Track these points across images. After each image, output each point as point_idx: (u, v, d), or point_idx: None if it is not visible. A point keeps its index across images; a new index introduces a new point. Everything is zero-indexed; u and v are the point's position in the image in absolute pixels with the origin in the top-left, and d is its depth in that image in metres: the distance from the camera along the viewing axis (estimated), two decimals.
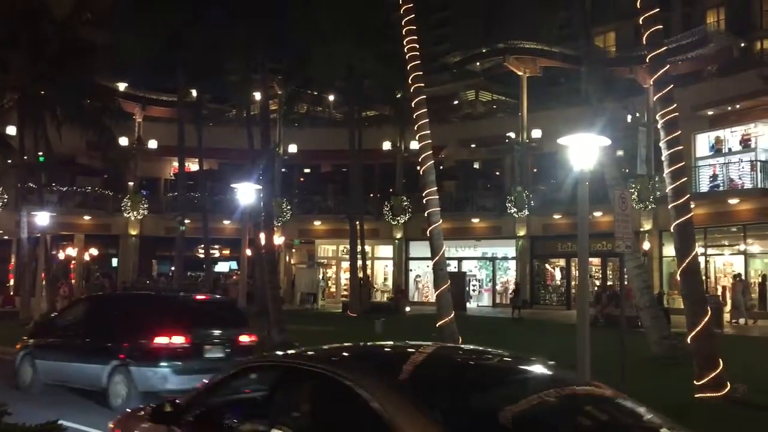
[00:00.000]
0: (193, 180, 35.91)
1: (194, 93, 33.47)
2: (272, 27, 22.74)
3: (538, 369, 4.21)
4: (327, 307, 35.61)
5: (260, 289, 25.17)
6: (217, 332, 9.86)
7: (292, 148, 39.07)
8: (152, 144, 38.58)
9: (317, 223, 39.69)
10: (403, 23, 14.04)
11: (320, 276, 38.39)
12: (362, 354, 4.49)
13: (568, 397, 3.87)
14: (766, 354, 16.72)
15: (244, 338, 10.03)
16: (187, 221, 31.04)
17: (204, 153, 32.29)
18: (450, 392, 3.50)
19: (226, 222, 35.84)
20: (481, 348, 4.91)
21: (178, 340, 9.35)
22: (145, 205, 38.15)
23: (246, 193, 17.78)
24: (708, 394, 9.69)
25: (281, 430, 3.70)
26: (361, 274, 32.06)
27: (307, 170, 43.65)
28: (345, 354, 4.43)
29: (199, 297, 12.03)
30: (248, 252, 22.76)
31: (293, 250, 41.60)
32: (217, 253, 38.55)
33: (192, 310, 10.59)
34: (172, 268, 35.06)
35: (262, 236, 24.18)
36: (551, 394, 3.79)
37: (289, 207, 38.51)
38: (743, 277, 27.45)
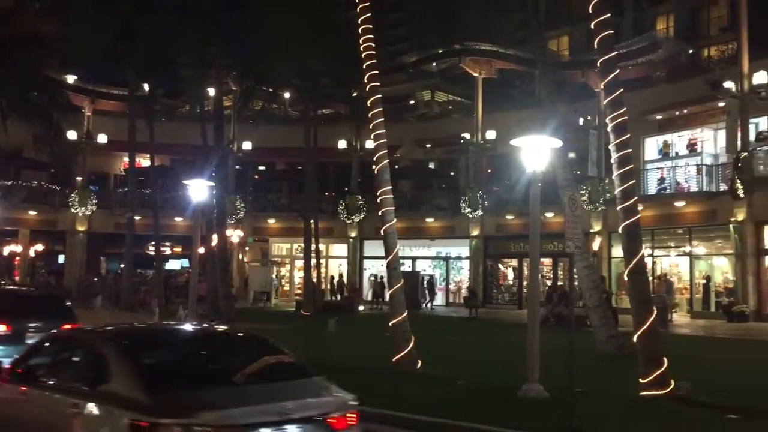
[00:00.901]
0: (144, 176, 35.23)
1: (146, 87, 32.82)
2: (227, 22, 22.44)
3: (224, 336, 7.65)
4: (280, 306, 35.39)
5: (212, 288, 24.86)
6: (38, 323, 11.23)
7: (247, 146, 38.65)
8: (102, 138, 37.71)
9: (271, 221, 39.40)
10: (359, 22, 14.00)
11: (274, 274, 38.10)
12: (111, 330, 6.96)
13: (222, 344, 7.02)
14: (710, 352, 17.24)
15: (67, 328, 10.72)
16: (137, 218, 30.45)
17: (156, 148, 31.73)
18: (145, 347, 6.19)
19: (178, 219, 35.27)
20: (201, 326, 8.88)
21: (1, 328, 11.18)
22: (94, 201, 37.30)
23: (198, 190, 17.52)
24: (653, 392, 9.91)
25: (59, 378, 6.13)
26: (315, 273, 31.91)
27: (261, 168, 43.26)
28: (102, 330, 6.87)
29: (23, 291, 15.04)
30: (201, 250, 22.51)
31: (246, 248, 41.18)
32: (168, 251, 37.90)
33: (16, 303, 12.49)
34: (122, 266, 34.33)
35: (215, 234, 23.95)
36: (208, 343, 6.88)
37: (242, 205, 38.13)
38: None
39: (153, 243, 31.84)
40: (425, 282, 35.41)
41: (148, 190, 33.24)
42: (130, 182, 31.89)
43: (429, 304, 33.94)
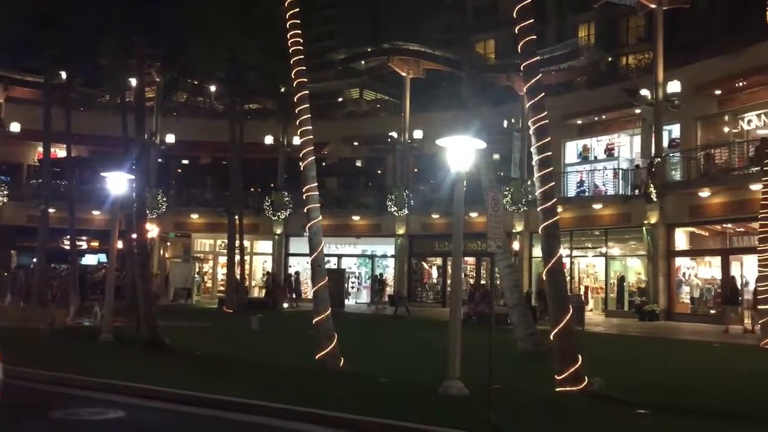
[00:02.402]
0: (60, 167, 33.82)
1: (63, 75, 31.50)
2: (149, 10, 21.80)
3: None
4: (202, 302, 34.72)
5: (130, 284, 24.12)
6: None
7: (170, 138, 37.72)
8: (15, 127, 36.04)
9: (194, 216, 38.59)
10: (287, 17, 13.85)
11: (196, 271, 37.33)
12: None
13: None
14: (623, 350, 17.93)
15: None
16: (51, 210, 29.20)
17: (73, 139, 30.46)
18: None
19: (96, 212, 34.11)
20: None
21: None
22: (5, 192, 35.67)
23: (117, 182, 17.01)
24: (567, 388, 10.22)
25: None
26: (238, 270, 31.43)
27: (185, 161, 42.26)
28: None
29: None
30: (119, 244, 21.78)
31: (168, 244, 40.18)
32: (84, 245, 36.58)
33: None
34: (34, 260, 32.87)
35: (135, 228, 23.21)
36: None
37: (164, 199, 37.20)
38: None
39: (68, 237, 30.61)
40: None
41: (63, 182, 31.94)
42: (44, 173, 30.49)
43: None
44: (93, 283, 33.44)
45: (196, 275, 36.86)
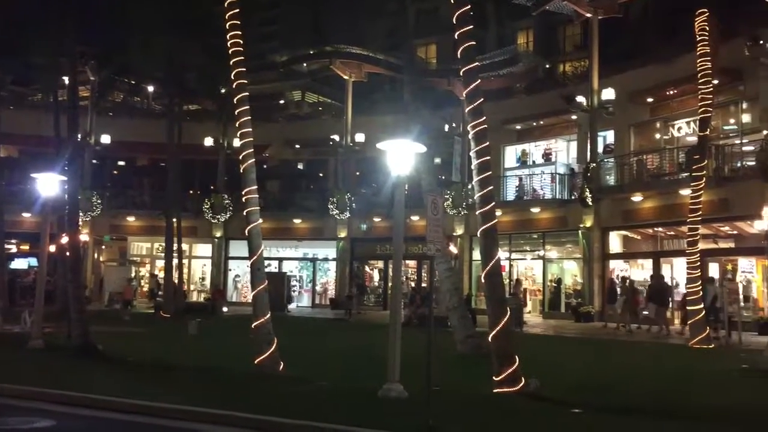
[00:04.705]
0: None
1: None
2: (83, 6, 21.19)
3: None
4: (138, 307, 33.85)
5: (62, 288, 23.38)
6: None
7: (106, 139, 36.69)
8: None
9: (131, 218, 37.66)
10: (226, 17, 13.67)
11: (132, 275, 36.44)
12: None
13: None
14: (559, 351, 18.31)
15: None
16: None
17: (2, 138, 29.43)
18: None
19: (26, 215, 32.90)
20: None
21: None
22: None
23: (48, 183, 16.45)
24: (505, 389, 10.37)
25: None
26: (176, 273, 30.80)
27: (121, 163, 41.27)
28: None
29: None
30: (51, 248, 21.08)
31: (103, 247, 39.10)
32: (14, 249, 35.27)
33: None
34: None
35: (66, 232, 22.48)
36: None
37: (99, 201, 36.21)
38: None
39: None
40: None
41: None
42: None
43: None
44: (22, 288, 32.24)
45: (132, 279, 35.97)
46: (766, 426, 8.95)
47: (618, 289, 25.15)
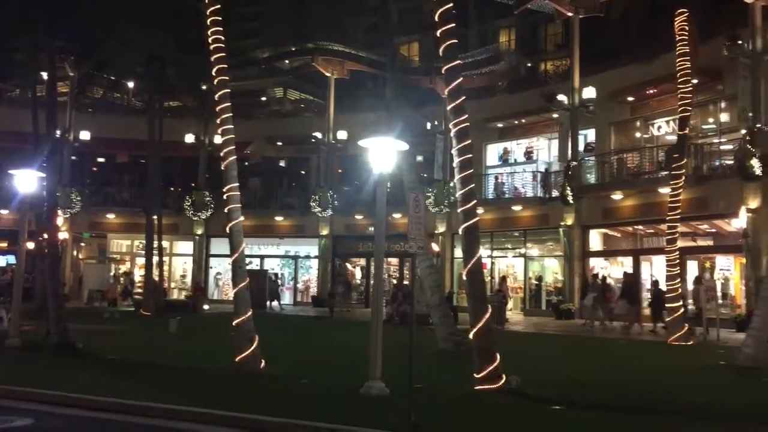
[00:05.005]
0: None
1: None
2: (61, 1, 20.96)
3: None
4: (119, 305, 33.56)
5: (41, 286, 23.14)
6: None
7: (85, 135, 36.28)
8: None
9: (111, 216, 37.34)
10: (208, 13, 13.58)
11: (111, 272, 36.13)
12: None
13: None
14: (540, 348, 18.43)
15: None
16: None
17: None
18: None
19: (4, 212, 32.54)
20: None
21: None
22: None
23: (26, 180, 16.25)
24: (486, 386, 10.41)
25: None
26: (157, 271, 30.56)
27: (101, 159, 40.85)
28: None
29: None
30: (30, 245, 20.85)
31: (82, 244, 38.73)
32: None
33: None
34: None
35: (46, 228, 22.24)
36: None
37: (78, 198, 35.86)
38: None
39: None
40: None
41: None
42: None
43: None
44: (0, 286, 31.90)
45: (111, 277, 35.68)
46: (742, 421, 9.06)
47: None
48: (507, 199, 31.50)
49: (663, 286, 20.93)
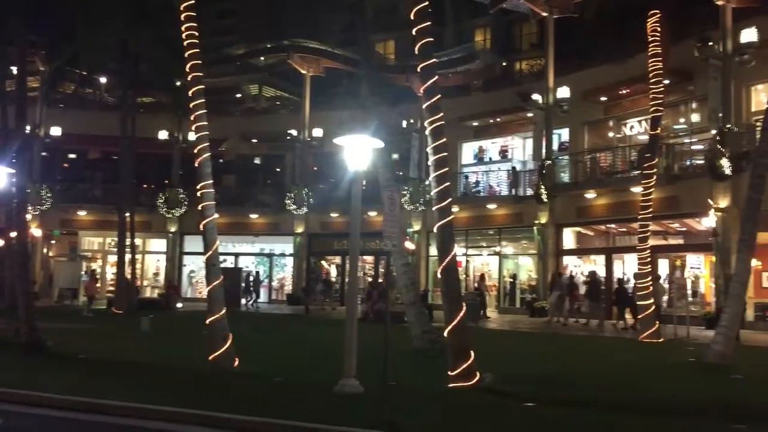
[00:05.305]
0: None
1: None
2: None
3: None
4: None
5: (10, 284, 22.74)
6: None
7: (56, 131, 35.78)
8: None
9: (82, 213, 36.85)
10: (182, 8, 13.45)
11: (83, 270, 35.66)
12: None
13: None
14: (513, 346, 18.56)
15: None
16: None
17: None
18: None
19: None
20: None
21: None
22: None
23: None
24: (460, 384, 10.46)
25: None
26: (129, 269, 30.23)
27: (72, 155, 40.30)
28: None
29: None
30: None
31: (53, 242, 38.18)
32: None
33: None
34: None
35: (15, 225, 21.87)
36: None
37: (49, 194, 35.36)
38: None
39: None
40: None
41: None
42: None
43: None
44: None
45: (83, 274, 35.21)
46: (709, 417, 9.21)
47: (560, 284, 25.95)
48: (482, 197, 31.66)
49: (632, 284, 21.47)
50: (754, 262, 16.91)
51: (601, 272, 27.04)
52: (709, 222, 21.87)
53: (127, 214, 29.65)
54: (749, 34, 21.57)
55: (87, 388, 10.25)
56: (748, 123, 22.66)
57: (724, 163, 21.83)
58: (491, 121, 33.09)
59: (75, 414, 9.27)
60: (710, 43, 22.63)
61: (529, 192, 29.74)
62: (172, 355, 14.72)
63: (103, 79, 38.84)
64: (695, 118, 25.86)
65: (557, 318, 24.76)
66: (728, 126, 22.17)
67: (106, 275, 37.87)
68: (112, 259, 35.13)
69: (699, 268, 24.73)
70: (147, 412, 9.05)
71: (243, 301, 31.93)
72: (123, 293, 28.63)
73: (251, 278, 33.96)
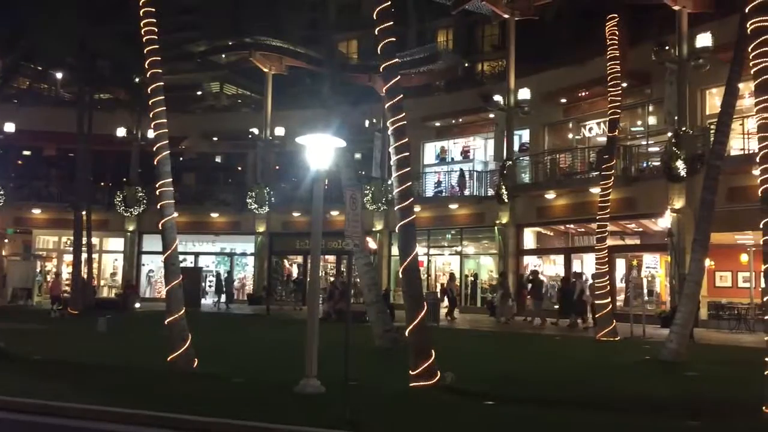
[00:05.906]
0: None
1: None
2: None
3: None
4: (44, 303, 32.37)
5: None
6: None
7: (10, 127, 34.80)
8: None
9: (37, 211, 35.99)
10: (141, 3, 13.22)
11: (37, 270, 34.82)
12: None
13: None
14: (474, 345, 18.70)
15: None
16: None
17: None
18: None
19: None
20: None
21: None
22: None
23: None
24: (421, 383, 10.50)
25: None
26: (85, 269, 29.63)
27: (27, 152, 39.33)
28: None
29: None
30: None
31: (6, 241, 37.19)
32: None
33: None
34: None
35: None
36: None
37: (2, 192, 34.43)
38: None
39: None
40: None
41: None
42: None
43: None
44: None
45: (38, 274, 34.40)
46: (666, 413, 9.40)
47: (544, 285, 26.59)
48: (444, 197, 31.82)
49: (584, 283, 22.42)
50: (708, 262, 17.30)
51: (560, 272, 27.49)
52: (664, 222, 22.34)
53: (84, 213, 29.06)
54: (704, 39, 22.07)
55: (41, 390, 10.00)
56: (703, 126, 23.21)
57: (680, 165, 22.30)
58: (453, 121, 33.30)
59: (28, 417, 9.03)
60: (667, 48, 23.09)
61: (491, 192, 29.98)
62: (130, 355, 14.47)
63: (59, 75, 37.97)
64: (652, 120, 26.38)
65: (501, 317, 25.22)
66: (683, 129, 22.66)
67: (62, 275, 37.01)
68: (68, 258, 34.39)
69: (655, 267, 25.21)
70: (103, 414, 8.87)
71: (213, 300, 31.56)
72: (79, 293, 28.03)
73: (222, 278, 33.51)
